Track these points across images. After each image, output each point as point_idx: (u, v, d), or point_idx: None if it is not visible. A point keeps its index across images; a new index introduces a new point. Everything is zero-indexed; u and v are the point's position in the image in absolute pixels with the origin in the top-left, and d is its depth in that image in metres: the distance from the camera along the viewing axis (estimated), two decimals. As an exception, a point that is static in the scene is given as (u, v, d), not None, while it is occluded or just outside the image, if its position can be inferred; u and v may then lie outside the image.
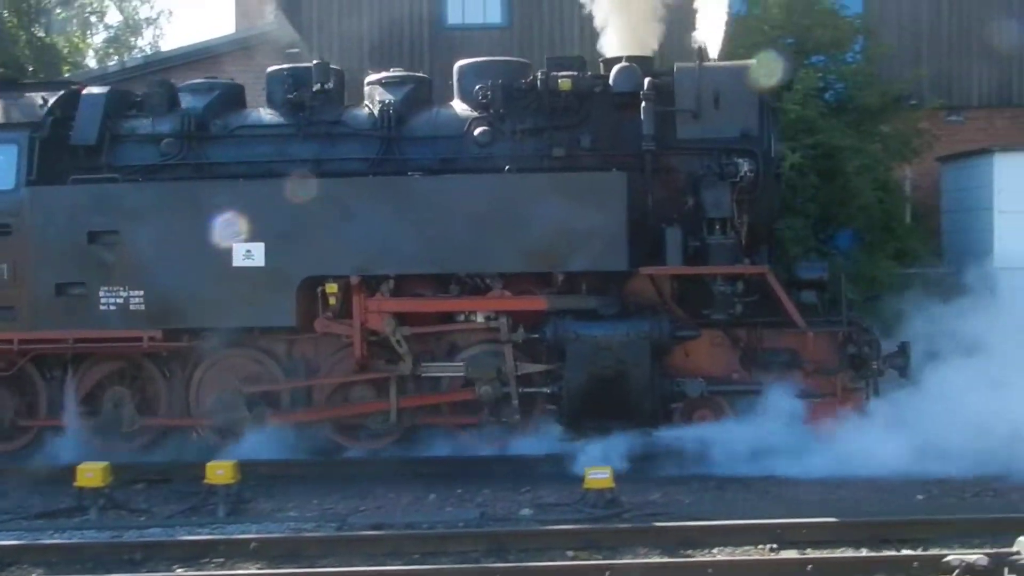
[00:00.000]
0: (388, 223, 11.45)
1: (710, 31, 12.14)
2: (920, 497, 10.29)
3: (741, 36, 15.37)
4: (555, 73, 11.86)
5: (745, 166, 11.43)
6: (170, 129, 12.28)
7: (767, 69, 11.96)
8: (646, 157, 11.57)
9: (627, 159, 11.66)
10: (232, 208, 11.56)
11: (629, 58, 12.16)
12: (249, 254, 11.60)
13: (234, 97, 12.77)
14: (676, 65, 11.88)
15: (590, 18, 12.96)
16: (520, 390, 11.65)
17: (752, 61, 12.13)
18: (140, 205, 11.72)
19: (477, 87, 11.93)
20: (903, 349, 11.70)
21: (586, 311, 11.47)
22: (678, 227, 11.36)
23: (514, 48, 18.43)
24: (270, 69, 12.76)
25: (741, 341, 11.60)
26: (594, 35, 12.90)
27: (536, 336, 11.53)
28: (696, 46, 11.98)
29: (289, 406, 12.04)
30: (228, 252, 11.60)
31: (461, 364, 11.71)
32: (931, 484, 10.55)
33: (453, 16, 20.00)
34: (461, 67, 12.48)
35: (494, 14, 19.97)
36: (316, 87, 12.10)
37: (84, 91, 12.53)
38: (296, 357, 12.17)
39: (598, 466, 10.25)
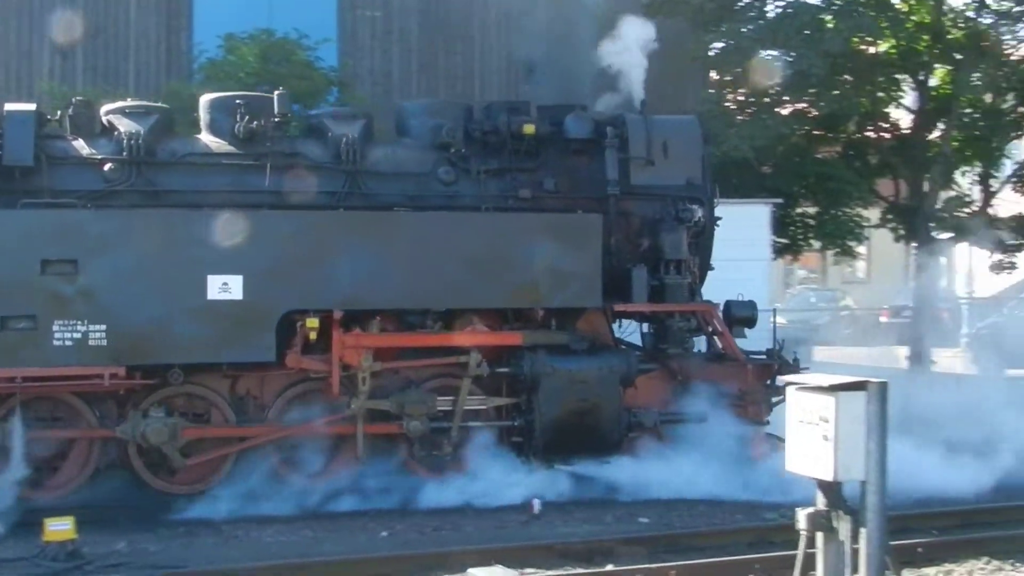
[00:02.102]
0: (373, 258, 11.36)
1: None
2: (384, 534, 10.64)
3: (216, 82, 16.46)
4: (517, 118, 12.28)
5: (699, 212, 12.37)
6: (111, 153, 11.48)
7: None
8: (610, 201, 12.22)
9: (589, 202, 12.26)
10: (207, 238, 11.03)
11: (566, 106, 12.79)
12: (226, 287, 11.08)
13: (169, 122, 12.12)
14: (625, 115, 12.63)
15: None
16: (461, 425, 11.85)
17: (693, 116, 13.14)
18: (104, 233, 10.89)
19: (445, 128, 12.08)
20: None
21: (558, 346, 11.93)
22: (643, 267, 12.09)
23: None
24: (211, 95, 12.24)
25: (679, 374, 12.45)
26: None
27: (506, 371, 11.83)
28: (640, 99, 12.82)
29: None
30: (202, 284, 11.04)
31: (389, 402, 11.72)
32: (395, 519, 11.06)
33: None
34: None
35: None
36: (277, 117, 11.78)
37: (6, 107, 11.44)
38: (239, 393, 11.72)
39: (58, 516, 9.61)
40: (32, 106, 11.65)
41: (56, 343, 10.76)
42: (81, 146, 11.52)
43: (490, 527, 10.81)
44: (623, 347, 12.26)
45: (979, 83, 19.99)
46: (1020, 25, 20.27)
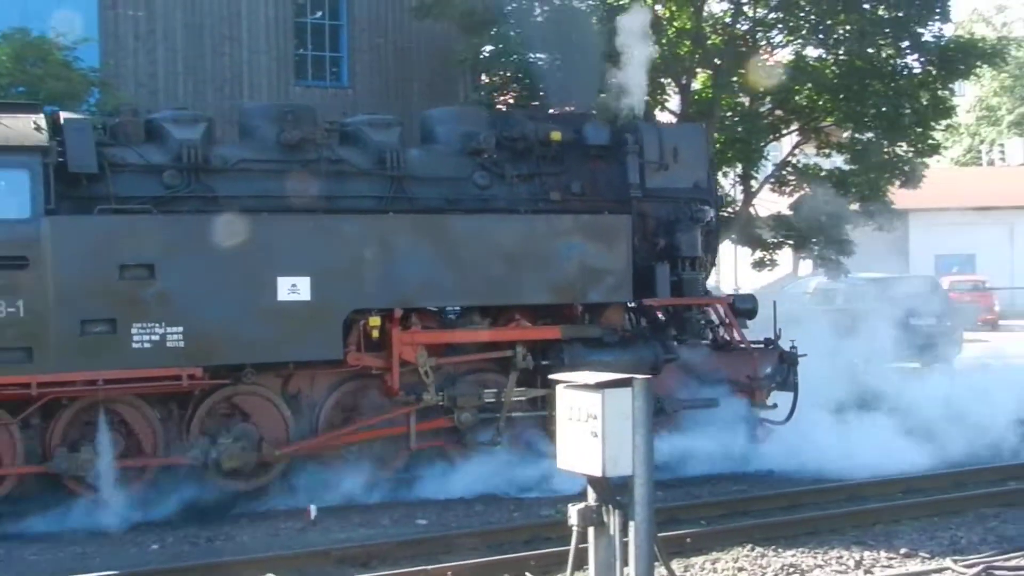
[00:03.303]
0: (428, 259, 11.96)
1: None
2: (155, 547, 10.45)
3: None
4: (544, 125, 13.07)
5: (711, 212, 13.40)
6: (168, 160, 11.76)
7: None
8: (632, 203, 13.11)
9: (611, 204, 13.12)
10: (278, 242, 11.45)
11: (580, 114, 13.66)
12: (294, 288, 11.52)
13: (214, 129, 12.43)
14: (639, 123, 13.56)
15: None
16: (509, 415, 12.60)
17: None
18: (179, 238, 11.20)
19: (482, 135, 12.74)
20: None
21: (593, 339, 12.75)
22: (665, 264, 13.03)
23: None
24: (253, 104, 12.61)
25: (697, 363, 13.44)
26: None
27: (548, 363, 12.58)
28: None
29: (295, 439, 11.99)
30: (273, 286, 11.45)
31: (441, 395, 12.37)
32: (167, 531, 10.79)
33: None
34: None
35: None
36: (326, 125, 12.25)
37: (63, 116, 11.58)
38: (291, 392, 12.14)
39: None
40: (85, 115, 11.82)
41: (135, 345, 11.01)
42: (135, 153, 11.76)
43: (264, 535, 10.67)
44: (649, 338, 13.14)
45: (741, 86, 21.01)
46: (775, 32, 21.81)
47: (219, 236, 11.32)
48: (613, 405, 6.90)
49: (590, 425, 6.97)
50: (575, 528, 7.21)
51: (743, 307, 13.86)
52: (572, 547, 7.26)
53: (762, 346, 13.82)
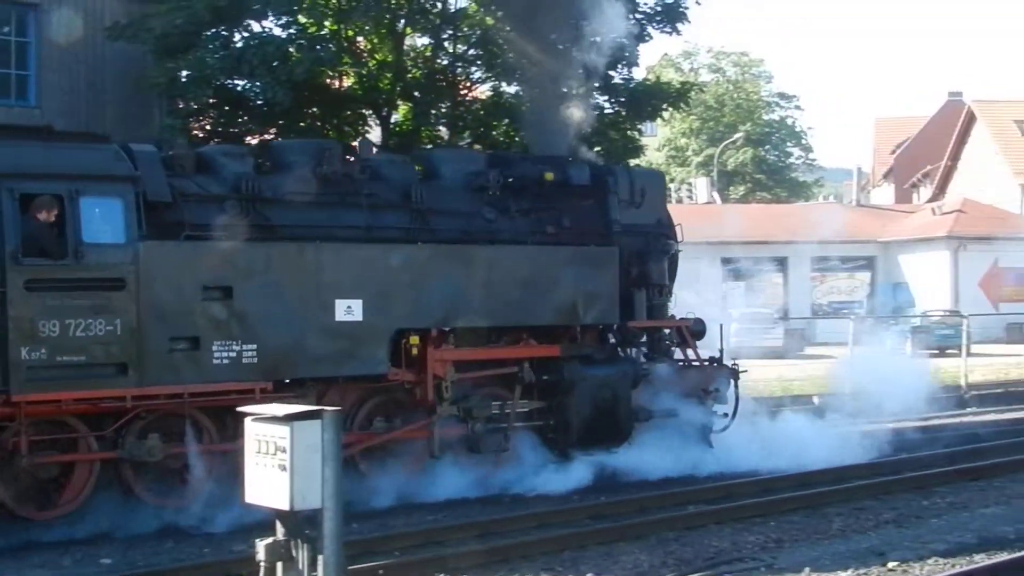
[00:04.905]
0: (460, 284, 13.42)
1: None
2: None
3: None
4: (537, 167, 14.73)
5: (675, 246, 15.36)
6: (227, 191, 12.77)
7: None
8: (614, 237, 14.91)
9: (595, 237, 14.87)
10: (335, 268, 12.67)
11: (559, 156, 15.39)
12: (350, 310, 12.76)
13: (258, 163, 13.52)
14: (613, 167, 15.42)
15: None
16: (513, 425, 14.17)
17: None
18: (253, 263, 12.28)
19: (492, 174, 14.26)
20: None
21: (585, 357, 14.46)
22: (643, 291, 14.90)
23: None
24: (285, 140, 13.70)
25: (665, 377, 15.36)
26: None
27: (548, 378, 14.19)
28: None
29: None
30: (331, 307, 12.65)
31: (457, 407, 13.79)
32: None
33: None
34: None
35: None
36: (367, 163, 13.54)
37: (134, 147, 12.43)
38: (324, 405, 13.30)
39: None
40: (151, 147, 12.70)
41: (216, 361, 12.05)
42: (194, 183, 12.71)
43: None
44: (628, 356, 14.97)
45: (441, 120, 21.76)
46: (474, 68, 22.52)
47: (287, 262, 12.48)
48: (302, 438, 6.75)
49: (278, 458, 6.80)
50: (263, 563, 7.03)
51: (697, 329, 15.89)
52: None
53: (711, 363, 15.87)
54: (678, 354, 15.73)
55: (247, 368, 12.19)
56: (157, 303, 11.77)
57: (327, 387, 13.08)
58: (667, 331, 15.39)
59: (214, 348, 12.04)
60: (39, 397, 11.23)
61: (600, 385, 14.38)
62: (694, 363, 15.66)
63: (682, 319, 15.61)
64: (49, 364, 11.24)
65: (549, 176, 14.71)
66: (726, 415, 15.63)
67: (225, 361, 12.09)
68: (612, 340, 15.02)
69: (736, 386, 15.83)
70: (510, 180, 14.58)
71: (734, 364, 15.96)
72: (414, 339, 13.20)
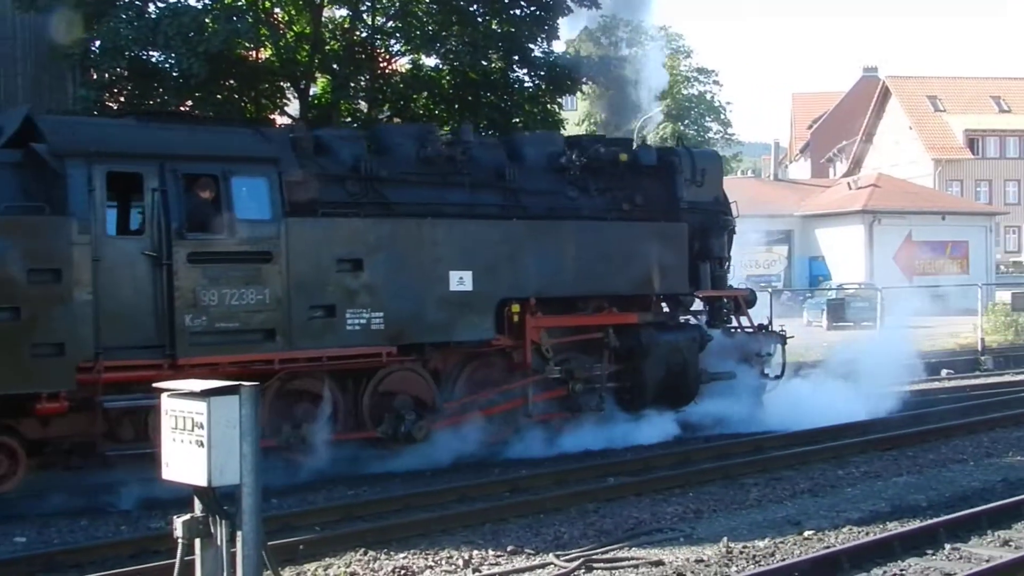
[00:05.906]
0: (554, 257, 14.65)
1: None
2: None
3: None
4: (612, 148, 15.97)
5: (733, 221, 16.70)
6: (346, 171, 13.85)
7: None
8: (681, 213, 16.20)
9: (663, 214, 16.15)
10: (448, 242, 13.84)
11: (625, 139, 16.64)
12: (462, 280, 13.94)
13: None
14: (676, 148, 16.69)
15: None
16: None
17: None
18: (380, 238, 13.41)
19: (575, 154, 15.47)
20: None
21: (659, 323, 15.76)
22: (707, 263, 16.22)
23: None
24: (387, 125, 14.80)
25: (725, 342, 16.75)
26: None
27: (625, 343, 15.47)
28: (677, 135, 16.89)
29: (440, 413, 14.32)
30: (446, 278, 13.82)
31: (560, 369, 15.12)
32: None
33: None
34: None
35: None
36: (466, 145, 14.69)
37: (268, 131, 13.46)
38: (430, 368, 14.47)
39: None
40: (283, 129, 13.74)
41: (348, 328, 13.19)
42: (316, 164, 13.76)
43: None
44: (695, 323, 16.32)
45: (360, 93, 21.58)
46: (394, 41, 22.21)
47: (407, 236, 13.63)
48: (219, 413, 6.66)
49: (196, 434, 6.73)
50: (180, 540, 6.96)
51: (751, 299, 17.26)
52: (178, 560, 7.02)
53: (761, 330, 17.26)
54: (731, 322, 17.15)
55: (375, 334, 13.34)
56: (299, 274, 12.86)
57: (438, 351, 14.26)
58: (725, 300, 16.72)
59: (348, 315, 13.17)
60: (200, 360, 12.28)
61: (673, 350, 15.70)
62: (747, 329, 17.05)
63: (738, 289, 16.98)
64: (209, 330, 12.33)
65: (623, 157, 15.95)
66: (777, 377, 17.08)
67: (357, 327, 13.22)
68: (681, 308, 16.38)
69: (783, 351, 17.25)
70: (587, 161, 15.80)
71: (782, 330, 17.37)
72: (515, 307, 14.41)
